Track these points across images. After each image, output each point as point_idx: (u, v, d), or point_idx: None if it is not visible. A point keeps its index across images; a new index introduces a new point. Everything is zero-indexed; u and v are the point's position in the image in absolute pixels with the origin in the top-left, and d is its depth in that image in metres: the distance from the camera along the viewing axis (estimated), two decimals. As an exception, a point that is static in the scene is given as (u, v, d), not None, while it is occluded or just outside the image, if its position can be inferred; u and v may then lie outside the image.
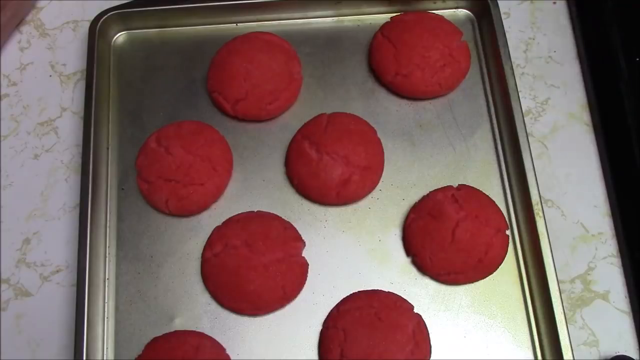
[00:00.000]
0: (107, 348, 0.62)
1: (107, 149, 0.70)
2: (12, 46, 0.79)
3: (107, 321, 0.63)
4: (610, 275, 0.67)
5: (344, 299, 0.63)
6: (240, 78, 0.69)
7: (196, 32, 0.76)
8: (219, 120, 0.71)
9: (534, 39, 0.78)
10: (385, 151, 0.68)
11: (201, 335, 0.61)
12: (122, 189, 0.68)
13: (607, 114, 0.73)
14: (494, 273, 0.64)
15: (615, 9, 0.75)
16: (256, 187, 0.69)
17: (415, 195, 0.68)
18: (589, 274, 0.67)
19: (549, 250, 0.63)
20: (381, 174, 0.68)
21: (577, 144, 0.73)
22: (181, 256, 0.66)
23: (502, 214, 0.65)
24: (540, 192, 0.65)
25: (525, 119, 0.68)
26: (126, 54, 0.75)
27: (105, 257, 0.66)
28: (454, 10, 0.76)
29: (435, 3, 0.76)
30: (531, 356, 0.62)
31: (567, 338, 0.60)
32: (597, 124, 0.73)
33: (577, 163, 0.72)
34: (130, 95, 0.73)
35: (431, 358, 0.61)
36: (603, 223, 0.69)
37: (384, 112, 0.72)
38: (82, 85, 0.74)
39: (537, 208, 0.64)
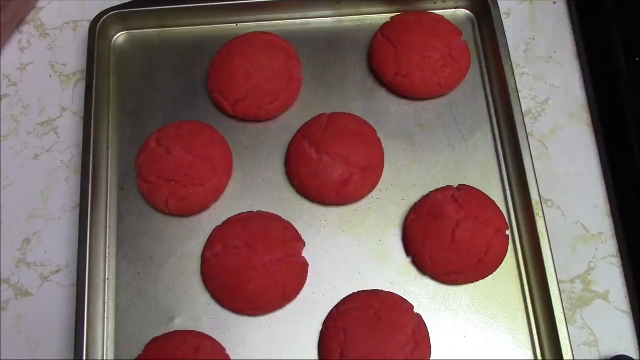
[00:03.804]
0: (107, 348, 0.62)
1: (107, 149, 0.70)
2: (12, 46, 0.79)
3: (107, 321, 0.63)
4: (610, 275, 0.67)
5: (344, 299, 0.63)
6: (240, 78, 0.69)
7: (196, 32, 0.76)
8: (219, 120, 0.71)
9: (534, 39, 0.78)
10: (385, 151, 0.68)
11: (201, 335, 0.61)
12: (122, 189, 0.68)
13: (607, 114, 0.73)
14: (494, 273, 0.64)
15: (615, 9, 0.75)
16: (256, 187, 0.69)
17: (415, 195, 0.68)
18: (589, 274, 0.67)
19: (549, 250, 0.63)
20: (381, 174, 0.68)
21: (577, 144, 0.73)
22: (181, 256, 0.66)
23: (502, 214, 0.65)
24: (540, 192, 0.65)
25: (525, 119, 0.68)
26: (126, 54, 0.75)
27: (105, 257, 0.66)
28: (454, 10, 0.76)
29: (435, 3, 0.76)
30: (531, 356, 0.62)
31: (567, 338, 0.60)
32: (597, 124, 0.73)
33: (577, 163, 0.72)
34: (130, 95, 0.73)
35: (431, 358, 0.61)
36: (603, 223, 0.70)
37: (384, 112, 0.72)
38: (82, 85, 0.74)
39: (537, 208, 0.64)
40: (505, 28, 0.72)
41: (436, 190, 0.66)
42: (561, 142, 0.73)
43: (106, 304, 0.64)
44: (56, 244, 0.69)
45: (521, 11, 0.80)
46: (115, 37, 0.76)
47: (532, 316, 0.64)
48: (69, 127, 0.74)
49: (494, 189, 0.68)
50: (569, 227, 0.69)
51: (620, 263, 0.68)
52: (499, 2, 0.73)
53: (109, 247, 0.66)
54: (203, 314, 0.64)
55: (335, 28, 0.76)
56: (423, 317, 0.62)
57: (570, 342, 0.60)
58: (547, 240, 0.63)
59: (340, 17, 0.76)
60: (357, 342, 0.59)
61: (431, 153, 0.70)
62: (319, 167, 0.65)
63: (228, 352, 0.61)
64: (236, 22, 0.76)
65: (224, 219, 0.66)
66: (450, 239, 0.62)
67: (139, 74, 0.74)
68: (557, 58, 0.77)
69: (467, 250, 0.62)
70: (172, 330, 0.62)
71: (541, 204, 0.65)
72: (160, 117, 0.71)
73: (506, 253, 0.64)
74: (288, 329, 0.63)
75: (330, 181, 0.65)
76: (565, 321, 0.61)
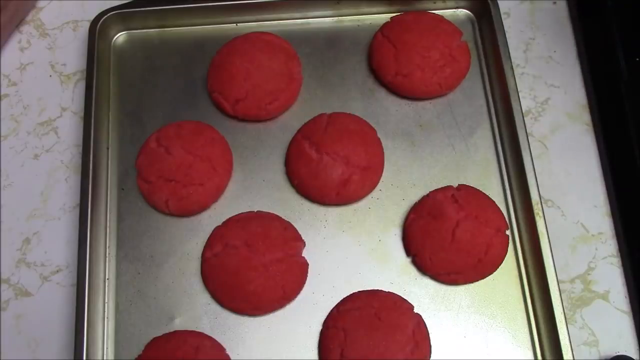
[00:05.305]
0: (107, 348, 0.62)
1: (107, 149, 0.70)
2: (12, 46, 0.79)
3: (107, 321, 0.63)
4: (610, 275, 0.67)
5: (344, 299, 0.63)
6: (240, 78, 0.69)
7: (196, 32, 0.76)
8: (219, 120, 0.71)
9: (534, 39, 0.78)
10: (385, 151, 0.68)
11: (201, 335, 0.61)
12: (122, 189, 0.68)
13: (607, 114, 0.73)
14: (494, 273, 0.64)
15: (615, 9, 0.75)
16: (256, 187, 0.69)
17: (415, 195, 0.68)
18: (589, 274, 0.67)
19: (549, 250, 0.63)
20: (381, 174, 0.68)
21: (577, 144, 0.73)
22: (181, 256, 0.66)
23: (502, 214, 0.65)
24: (540, 192, 0.65)
25: (525, 119, 0.68)
26: (126, 54, 0.75)
27: (105, 257, 0.66)
28: (454, 10, 0.77)
29: (435, 3, 0.76)
30: (531, 356, 0.62)
31: (567, 338, 0.60)
32: (597, 124, 0.73)
33: (577, 163, 0.72)
34: (130, 95, 0.73)
35: (431, 358, 0.61)
36: (603, 223, 0.69)
37: (384, 112, 0.72)
38: (82, 85, 0.74)
39: (537, 208, 0.64)
40: (505, 28, 0.72)
41: (436, 190, 0.66)
42: (561, 142, 0.73)
43: (106, 304, 0.64)
44: (56, 244, 0.69)
45: (521, 11, 0.80)
46: (115, 37, 0.76)
47: (532, 316, 0.64)
48: (69, 127, 0.74)
49: (494, 189, 0.68)
50: (569, 227, 0.69)
51: (620, 263, 0.68)
52: (499, 2, 0.73)
53: (109, 247, 0.66)
54: (203, 314, 0.64)
55: (335, 28, 0.76)
56: (423, 317, 0.62)
57: (570, 342, 0.60)
58: (547, 240, 0.63)
59: (340, 17, 0.76)
60: (357, 342, 0.59)
61: (431, 153, 0.70)
62: (319, 167, 0.65)
63: (228, 352, 0.61)
64: (236, 22, 0.76)
65: (224, 219, 0.66)
66: (450, 239, 0.62)
67: (139, 74, 0.74)
68: (557, 58, 0.77)
69: (467, 250, 0.62)
70: (172, 330, 0.62)
71: (541, 204, 0.65)
72: (160, 117, 0.71)
73: (506, 253, 0.64)
74: (288, 329, 0.63)
75: (330, 181, 0.65)
76: (565, 321, 0.61)
